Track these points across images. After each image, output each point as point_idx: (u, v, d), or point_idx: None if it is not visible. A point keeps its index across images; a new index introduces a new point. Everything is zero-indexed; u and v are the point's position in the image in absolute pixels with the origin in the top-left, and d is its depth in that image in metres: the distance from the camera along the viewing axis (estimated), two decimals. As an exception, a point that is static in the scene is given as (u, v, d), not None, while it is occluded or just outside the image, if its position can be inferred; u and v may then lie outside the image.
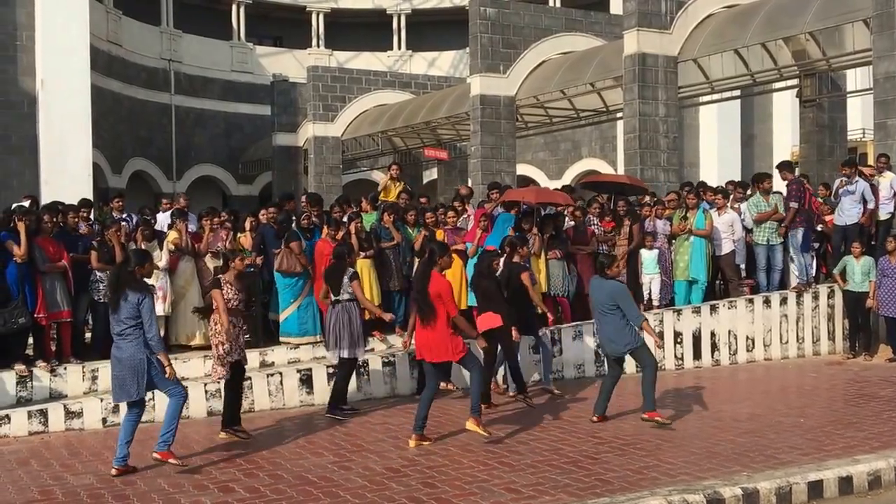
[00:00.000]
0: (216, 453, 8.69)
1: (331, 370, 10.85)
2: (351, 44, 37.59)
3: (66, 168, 22.57)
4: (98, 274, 11.04)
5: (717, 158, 27.34)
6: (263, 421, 10.05)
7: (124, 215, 13.19)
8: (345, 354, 10.02)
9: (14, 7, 22.81)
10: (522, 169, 27.95)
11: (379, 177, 34.15)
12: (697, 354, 13.29)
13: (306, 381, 10.94)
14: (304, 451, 8.71)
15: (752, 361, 13.64)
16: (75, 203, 12.55)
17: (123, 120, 30.84)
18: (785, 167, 14.33)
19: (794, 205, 13.67)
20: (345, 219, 12.77)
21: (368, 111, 28.77)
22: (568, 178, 30.45)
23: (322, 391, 10.65)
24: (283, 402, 10.79)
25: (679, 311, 13.29)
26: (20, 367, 10.46)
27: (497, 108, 20.86)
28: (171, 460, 7.98)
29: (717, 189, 14.84)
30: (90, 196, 19.98)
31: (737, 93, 21.61)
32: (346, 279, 9.98)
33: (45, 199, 14.61)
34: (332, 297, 10.03)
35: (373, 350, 12.09)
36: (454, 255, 12.24)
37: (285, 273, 11.73)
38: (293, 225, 12.81)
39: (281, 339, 12.00)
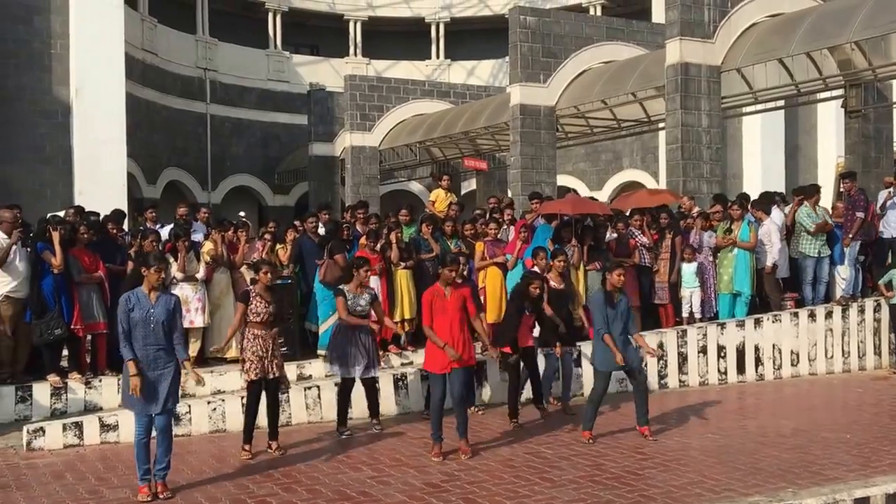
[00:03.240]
0: (253, 467, 8.61)
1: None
2: (389, 52, 37.61)
3: (101, 178, 22.65)
4: (135, 285, 11.00)
5: (760, 170, 26.95)
6: (301, 435, 9.96)
7: (158, 226, 13.14)
8: (356, 373, 9.89)
9: (48, 16, 22.98)
10: (563, 180, 27.73)
11: (417, 187, 34.24)
12: (741, 369, 13.06)
13: (344, 394, 10.80)
14: (343, 465, 8.62)
15: (796, 376, 13.40)
16: (109, 213, 12.55)
17: (158, 129, 30.98)
18: (848, 177, 14.16)
19: (860, 215, 13.45)
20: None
21: (406, 121, 28.70)
22: (609, 189, 30.23)
23: (359, 404, 10.50)
24: (320, 416, 10.67)
25: (723, 325, 13.06)
26: (54, 378, 10.46)
27: (537, 117, 20.68)
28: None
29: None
30: (124, 206, 20.07)
31: (781, 103, 21.29)
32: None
33: (80, 209, 14.62)
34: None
35: (411, 363, 11.99)
36: (494, 267, 12.21)
37: (327, 284, 11.61)
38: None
39: (318, 351, 11.90)
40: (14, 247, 10.32)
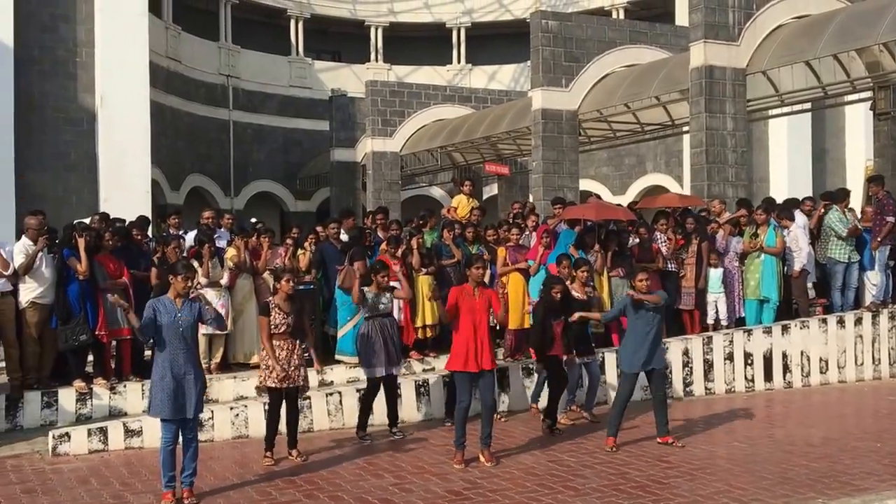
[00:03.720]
0: (276, 473, 8.59)
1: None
2: (410, 58, 37.62)
3: (125, 184, 22.79)
4: (158, 291, 11.02)
5: (787, 173, 26.73)
6: (322, 441, 9.92)
7: (181, 232, 13.16)
8: (380, 373, 9.85)
9: (74, 24, 23.16)
10: (585, 184, 27.60)
11: (438, 192, 34.20)
12: (769, 376, 12.90)
13: (366, 400, 10.75)
14: (365, 472, 8.58)
15: (825, 384, 13.22)
16: (134, 220, 12.60)
17: (182, 136, 31.12)
18: (876, 181, 13.99)
19: (890, 219, 13.27)
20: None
21: (428, 126, 28.67)
22: (632, 193, 30.07)
23: (381, 411, 10.45)
24: (342, 422, 10.63)
25: (749, 332, 12.92)
26: (80, 384, 10.51)
27: (559, 122, 20.58)
28: None
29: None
30: (149, 213, 20.15)
31: (807, 106, 21.10)
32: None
33: (104, 216, 14.69)
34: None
35: (433, 369, 11.93)
36: (516, 273, 12.14)
37: (346, 290, 11.57)
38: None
39: (336, 356, 11.86)
40: (40, 253, 10.38)
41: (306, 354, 9.32)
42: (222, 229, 13.50)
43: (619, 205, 16.36)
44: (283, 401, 9.05)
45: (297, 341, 9.04)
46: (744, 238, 13.60)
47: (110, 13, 23.16)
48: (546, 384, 10.57)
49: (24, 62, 22.34)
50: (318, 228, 13.01)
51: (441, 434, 10.12)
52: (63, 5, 23.12)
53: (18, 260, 10.31)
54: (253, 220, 13.49)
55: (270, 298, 9.17)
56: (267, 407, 9.24)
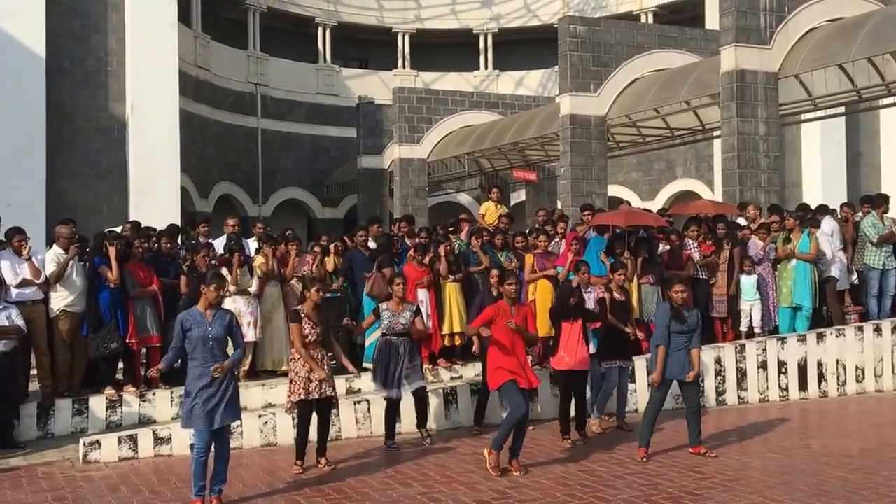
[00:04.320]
0: (304, 482, 8.56)
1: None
2: (437, 64, 37.64)
3: (155, 192, 22.97)
4: (189, 299, 11.03)
5: (820, 178, 26.39)
6: (350, 449, 9.88)
7: (210, 240, 13.18)
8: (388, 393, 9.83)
9: (105, 34, 23.38)
10: (614, 190, 27.43)
11: (465, 198, 34.15)
12: (803, 385, 12.71)
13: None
14: (393, 480, 8.53)
15: (861, 393, 13.01)
16: (164, 227, 12.64)
17: (211, 144, 31.33)
18: None
19: None
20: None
21: (455, 132, 28.63)
22: (662, 198, 29.88)
23: (408, 419, 10.39)
24: (370, 431, 10.58)
25: (783, 340, 12.74)
26: (110, 391, 10.57)
27: (587, 127, 20.46)
28: None
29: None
30: (178, 220, 20.26)
31: (841, 109, 20.85)
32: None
33: (134, 224, 14.77)
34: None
35: (461, 377, 11.86)
36: (545, 280, 12.04)
37: (374, 297, 11.54)
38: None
39: (364, 363, 11.82)
40: (72, 262, 10.43)
41: (332, 363, 9.28)
42: (251, 238, 13.50)
43: (649, 210, 16.22)
44: (314, 412, 9.01)
45: (325, 351, 9.01)
46: (776, 244, 13.41)
47: (140, 23, 23.37)
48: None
49: (56, 72, 22.57)
50: (345, 237, 12.98)
51: (469, 443, 10.05)
52: (94, 16, 23.36)
53: (50, 268, 10.36)
54: (259, 226, 13.49)
55: (299, 307, 9.14)
56: (296, 418, 9.19)
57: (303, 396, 8.81)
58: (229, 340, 7.90)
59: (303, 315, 8.91)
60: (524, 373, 8.83)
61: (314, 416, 9.06)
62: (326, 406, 9.10)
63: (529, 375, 8.90)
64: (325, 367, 8.93)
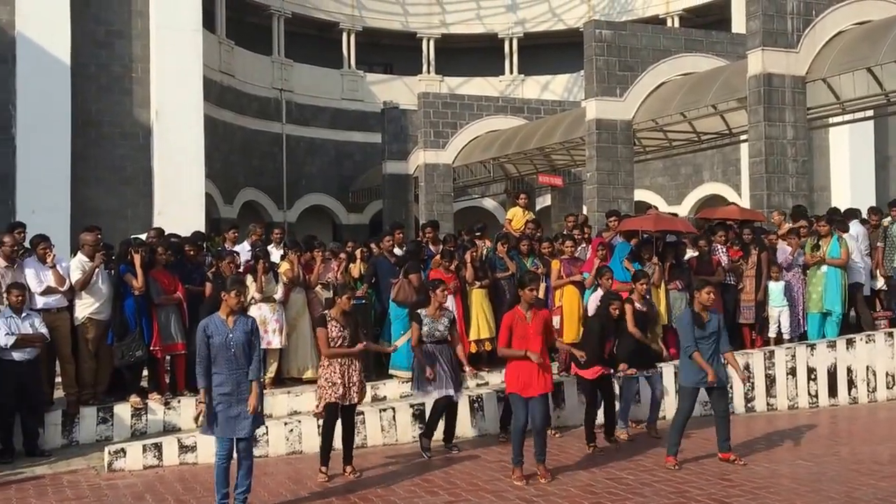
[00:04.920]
0: (330, 490, 8.52)
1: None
2: (462, 69, 37.61)
3: (180, 198, 23.01)
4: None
5: (849, 182, 26.09)
6: (376, 457, 9.84)
7: (237, 247, 13.18)
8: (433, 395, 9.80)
9: (130, 40, 23.48)
10: (640, 194, 27.28)
11: (491, 204, 34.07)
12: (833, 392, 12.57)
13: (419, 416, 10.62)
14: (419, 489, 8.48)
15: (892, 399, 12.86)
16: (189, 234, 12.64)
17: (235, 150, 31.41)
18: None
19: None
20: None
21: (480, 137, 28.58)
22: (689, 203, 29.68)
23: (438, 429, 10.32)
24: (395, 438, 10.53)
25: (812, 346, 12.60)
26: (135, 399, 10.57)
27: (613, 132, 20.36)
28: None
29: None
30: (202, 227, 20.30)
31: (870, 113, 20.59)
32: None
33: (159, 230, 14.78)
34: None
35: (487, 384, 11.78)
36: (571, 286, 11.95)
37: (400, 303, 11.48)
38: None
39: (390, 370, 11.78)
40: (97, 269, 10.43)
41: (363, 372, 9.26)
42: (270, 245, 13.49)
43: (676, 214, 16.10)
44: (339, 416, 8.98)
45: (353, 358, 8.95)
46: (805, 249, 13.26)
47: (165, 29, 23.45)
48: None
49: (81, 78, 22.68)
50: (371, 244, 12.94)
51: (496, 451, 9.97)
52: (118, 22, 23.46)
53: (75, 276, 10.38)
54: (316, 242, 13.47)
55: (326, 311, 9.12)
56: (321, 422, 9.16)
57: (331, 401, 8.78)
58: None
59: (329, 318, 8.88)
60: (538, 378, 8.71)
61: (339, 423, 9.02)
62: (351, 413, 9.07)
63: (539, 383, 8.74)
64: (356, 373, 8.91)
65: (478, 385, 11.84)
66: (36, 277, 10.19)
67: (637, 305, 10.52)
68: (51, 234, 10.79)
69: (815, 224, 13.59)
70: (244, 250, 12.66)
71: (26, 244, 10.87)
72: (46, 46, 21.85)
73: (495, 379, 11.82)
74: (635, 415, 10.95)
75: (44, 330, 9.85)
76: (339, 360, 8.82)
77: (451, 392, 9.74)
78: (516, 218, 15.22)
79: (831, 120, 20.55)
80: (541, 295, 10.39)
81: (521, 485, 8.48)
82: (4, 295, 9.90)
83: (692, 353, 8.99)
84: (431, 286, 9.93)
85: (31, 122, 21.60)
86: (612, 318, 9.87)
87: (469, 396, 10.93)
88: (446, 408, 9.92)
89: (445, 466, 9.36)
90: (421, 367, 9.68)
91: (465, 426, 10.72)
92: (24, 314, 9.77)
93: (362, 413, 10.20)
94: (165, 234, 12.82)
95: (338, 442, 9.07)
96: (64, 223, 20.48)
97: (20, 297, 9.76)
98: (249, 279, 11.13)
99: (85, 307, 10.42)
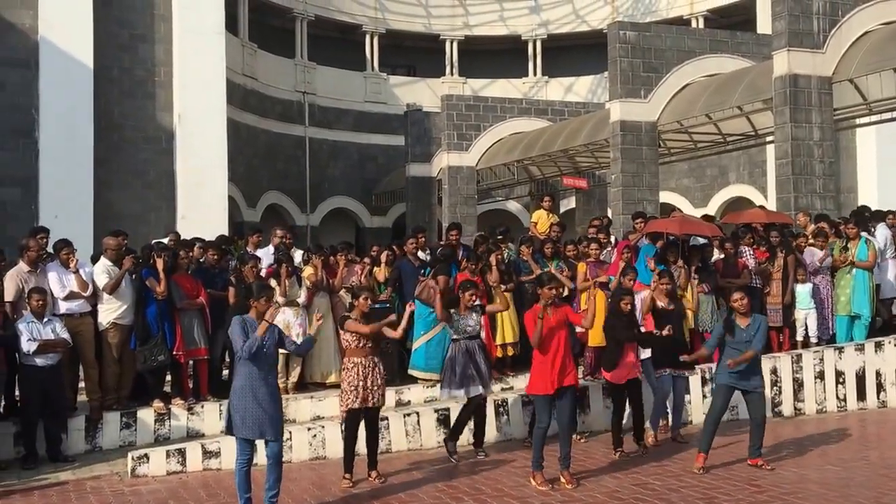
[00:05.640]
0: (354, 496, 8.51)
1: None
2: (485, 71, 37.52)
3: (203, 202, 23.05)
4: (236, 311, 11.00)
5: (876, 183, 25.78)
6: (401, 462, 9.80)
7: (260, 251, 13.15)
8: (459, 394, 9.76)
9: (152, 44, 23.56)
10: (665, 196, 27.07)
11: (514, 206, 33.97)
12: (862, 395, 12.42)
13: (444, 420, 10.58)
14: (444, 495, 8.44)
15: (922, 403, 12.65)
16: (212, 238, 12.63)
17: (259, 153, 31.47)
18: None
19: None
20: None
21: (504, 139, 28.50)
22: (714, 205, 29.45)
23: (465, 431, 10.26)
24: (420, 443, 10.48)
25: (840, 349, 12.44)
26: (158, 404, 10.57)
27: (638, 133, 20.24)
28: None
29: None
30: (225, 230, 20.31)
31: (897, 113, 20.39)
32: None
33: (183, 234, 14.77)
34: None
35: (512, 388, 11.70)
36: (597, 290, 11.84)
37: (423, 302, 11.40)
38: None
39: (409, 370, 11.71)
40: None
41: (386, 375, 9.23)
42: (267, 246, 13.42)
43: (705, 215, 15.96)
44: (362, 421, 8.95)
45: (376, 360, 8.92)
46: (833, 252, 13.11)
47: (188, 32, 23.52)
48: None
49: (104, 82, 22.77)
50: (396, 247, 12.88)
51: (521, 455, 9.90)
52: (141, 25, 23.55)
53: (102, 280, 10.39)
54: (340, 245, 13.43)
55: (347, 314, 9.12)
56: (344, 427, 9.12)
57: (355, 405, 8.74)
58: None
59: (350, 320, 8.89)
60: (565, 370, 8.68)
61: (362, 428, 9.00)
62: (375, 416, 9.04)
63: (564, 376, 8.70)
64: (379, 377, 8.88)
65: (503, 389, 11.76)
66: (59, 282, 10.21)
67: (660, 304, 10.41)
68: (74, 238, 10.79)
69: (842, 226, 13.43)
70: (267, 254, 12.63)
71: (49, 249, 10.89)
72: (69, 50, 21.92)
73: (520, 383, 11.72)
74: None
75: (65, 335, 9.86)
76: (363, 363, 8.79)
77: (482, 390, 9.70)
78: (541, 221, 15.13)
79: (858, 121, 20.34)
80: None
81: (544, 490, 8.41)
82: (26, 300, 9.92)
83: (705, 353, 9.37)
84: (462, 288, 9.90)
85: (54, 127, 21.67)
86: (624, 312, 9.78)
87: (494, 401, 10.86)
88: (476, 409, 9.86)
89: (470, 472, 9.31)
90: (451, 367, 9.63)
91: (490, 430, 10.64)
92: (45, 319, 9.78)
93: (386, 418, 10.16)
94: (181, 238, 12.81)
95: (362, 447, 9.02)
96: (87, 228, 20.55)
97: (41, 302, 9.77)
98: (273, 283, 11.11)
99: (109, 312, 10.43)
